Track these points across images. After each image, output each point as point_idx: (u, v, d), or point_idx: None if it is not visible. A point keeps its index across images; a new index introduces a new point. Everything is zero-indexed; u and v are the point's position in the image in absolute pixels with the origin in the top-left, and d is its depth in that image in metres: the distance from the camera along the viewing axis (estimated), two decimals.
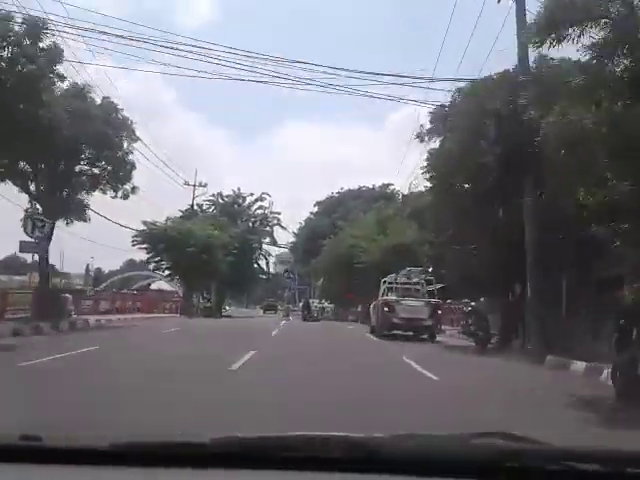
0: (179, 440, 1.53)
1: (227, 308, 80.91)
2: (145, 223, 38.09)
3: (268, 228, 56.27)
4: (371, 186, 62.50)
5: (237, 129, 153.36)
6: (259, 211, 56.35)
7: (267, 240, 56.54)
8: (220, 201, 55.11)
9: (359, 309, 58.88)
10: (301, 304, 76.01)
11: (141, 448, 1.47)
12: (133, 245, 38.32)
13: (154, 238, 37.51)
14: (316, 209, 67.31)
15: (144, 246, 38.28)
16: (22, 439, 1.48)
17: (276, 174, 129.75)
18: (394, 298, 18.94)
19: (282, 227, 56.60)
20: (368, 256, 31.44)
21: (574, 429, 5.49)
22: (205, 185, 49.59)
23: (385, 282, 20.85)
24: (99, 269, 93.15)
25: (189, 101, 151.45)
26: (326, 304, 79.34)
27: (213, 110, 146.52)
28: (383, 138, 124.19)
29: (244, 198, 56.30)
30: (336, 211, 57.06)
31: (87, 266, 67.34)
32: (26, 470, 1.40)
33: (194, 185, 48.85)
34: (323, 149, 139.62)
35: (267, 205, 56.25)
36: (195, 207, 53.65)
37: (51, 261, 20.37)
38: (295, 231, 65.57)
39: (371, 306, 22.16)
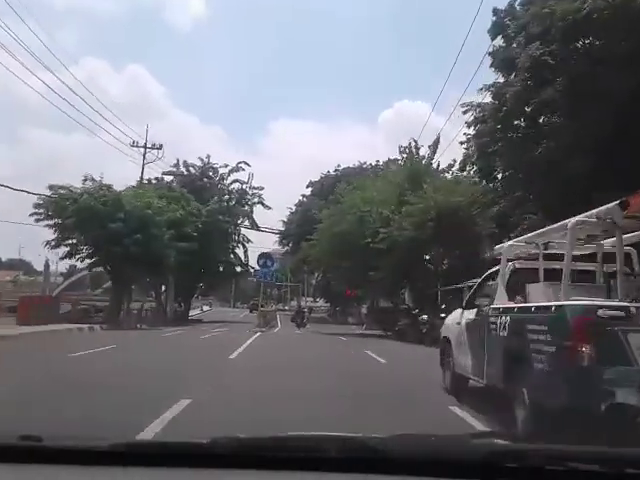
0: (179, 440, 1.60)
1: (204, 309, 68.50)
2: (52, 187, 25.39)
3: (247, 207, 43.52)
4: (374, 162, 50.24)
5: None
6: (235, 185, 43.66)
7: (246, 223, 43.92)
8: (184, 172, 42.38)
9: (363, 309, 46.37)
10: (293, 303, 64.63)
11: (141, 448, 1.53)
12: (36, 221, 25.56)
13: (64, 209, 24.76)
14: (309, 191, 55.79)
15: (50, 222, 25.56)
16: (22, 439, 1.49)
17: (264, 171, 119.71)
18: (627, 305, 4.45)
19: (265, 205, 43.73)
20: (392, 230, 18.87)
21: None
22: (160, 147, 36.94)
23: (512, 265, 6.68)
24: (74, 266, 79.83)
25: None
26: (320, 302, 67.39)
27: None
28: (379, 137, 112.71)
29: (216, 169, 43.61)
30: (334, 192, 44.65)
31: (46, 261, 52.53)
32: (26, 470, 1.41)
33: (144, 146, 36.27)
34: (315, 145, 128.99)
35: (246, 179, 43.57)
36: (154, 181, 41.16)
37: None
38: (284, 219, 54.03)
39: (447, 323, 8.69)
